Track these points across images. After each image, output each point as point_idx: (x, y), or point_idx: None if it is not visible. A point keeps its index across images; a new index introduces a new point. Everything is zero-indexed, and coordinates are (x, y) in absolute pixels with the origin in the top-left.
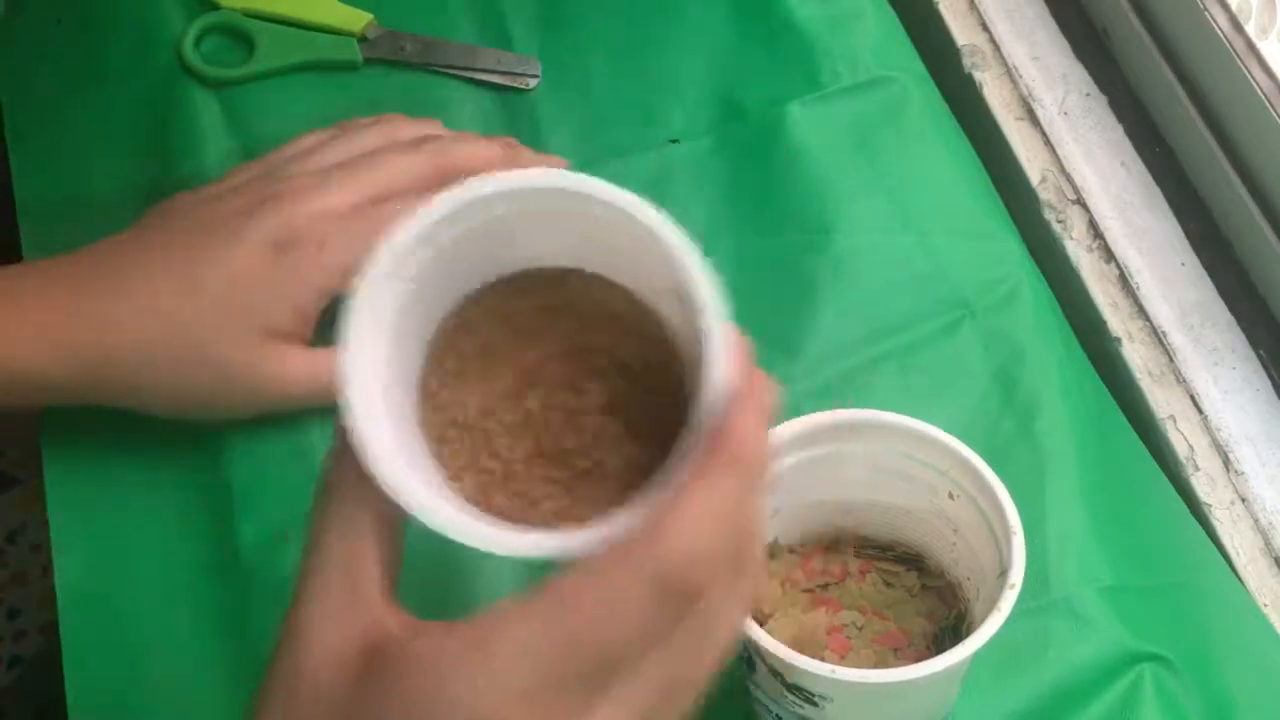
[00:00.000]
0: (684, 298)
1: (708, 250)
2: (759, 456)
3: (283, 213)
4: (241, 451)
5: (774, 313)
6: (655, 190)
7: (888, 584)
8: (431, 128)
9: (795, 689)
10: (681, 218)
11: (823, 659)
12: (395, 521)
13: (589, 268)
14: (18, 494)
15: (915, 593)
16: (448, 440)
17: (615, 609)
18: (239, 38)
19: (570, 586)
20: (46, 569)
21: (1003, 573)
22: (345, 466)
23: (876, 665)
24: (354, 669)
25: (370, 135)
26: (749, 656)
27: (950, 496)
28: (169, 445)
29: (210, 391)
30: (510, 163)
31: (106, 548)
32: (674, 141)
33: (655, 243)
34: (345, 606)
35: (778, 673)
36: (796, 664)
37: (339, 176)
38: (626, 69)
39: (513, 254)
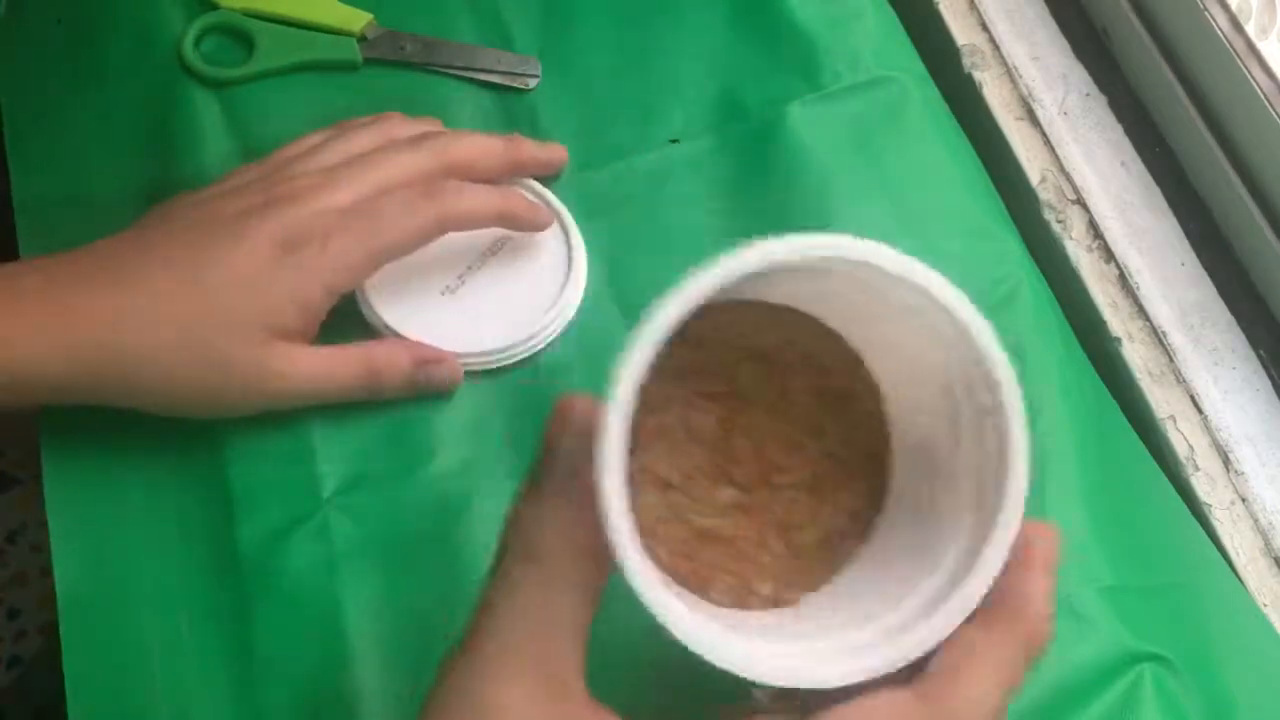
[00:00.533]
0: (981, 408)
1: (708, 250)
2: (1046, 632)
3: (286, 212)
4: (241, 451)
5: None
6: (655, 190)
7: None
8: (430, 126)
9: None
10: (681, 218)
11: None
12: (599, 599)
13: (825, 320)
14: (17, 494)
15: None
16: (647, 503)
17: None
18: (239, 38)
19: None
20: (46, 569)
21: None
22: (560, 532)
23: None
24: None
25: (370, 134)
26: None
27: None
28: (169, 445)
29: (214, 390)
30: (512, 156)
31: (106, 548)
32: (674, 141)
33: (960, 334)
34: (552, 700)
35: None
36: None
37: (342, 174)
38: (627, 69)
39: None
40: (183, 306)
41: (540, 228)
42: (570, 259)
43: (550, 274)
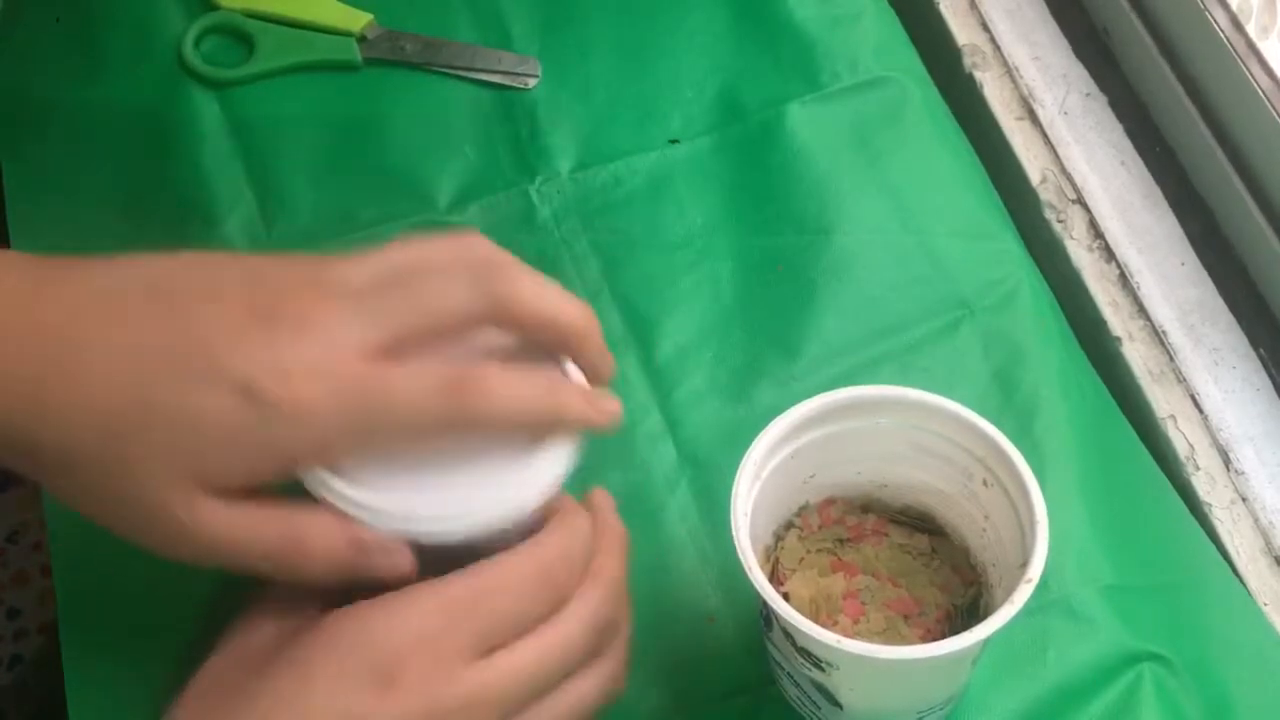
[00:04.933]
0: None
1: (708, 250)
2: (583, 522)
3: (270, 348)
4: None
5: (774, 313)
6: (655, 190)
7: (904, 550)
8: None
9: (805, 652)
10: (681, 218)
11: (836, 622)
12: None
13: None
14: (17, 494)
15: (929, 562)
16: None
17: (505, 585)
18: (239, 38)
19: (475, 569)
20: (47, 568)
21: (1023, 564)
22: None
23: (886, 630)
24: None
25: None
26: (767, 615)
27: (985, 484)
28: None
29: (128, 525)
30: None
31: (106, 548)
32: (674, 142)
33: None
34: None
35: (789, 634)
36: (806, 629)
37: (365, 306)
38: (626, 69)
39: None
40: (120, 422)
41: (606, 429)
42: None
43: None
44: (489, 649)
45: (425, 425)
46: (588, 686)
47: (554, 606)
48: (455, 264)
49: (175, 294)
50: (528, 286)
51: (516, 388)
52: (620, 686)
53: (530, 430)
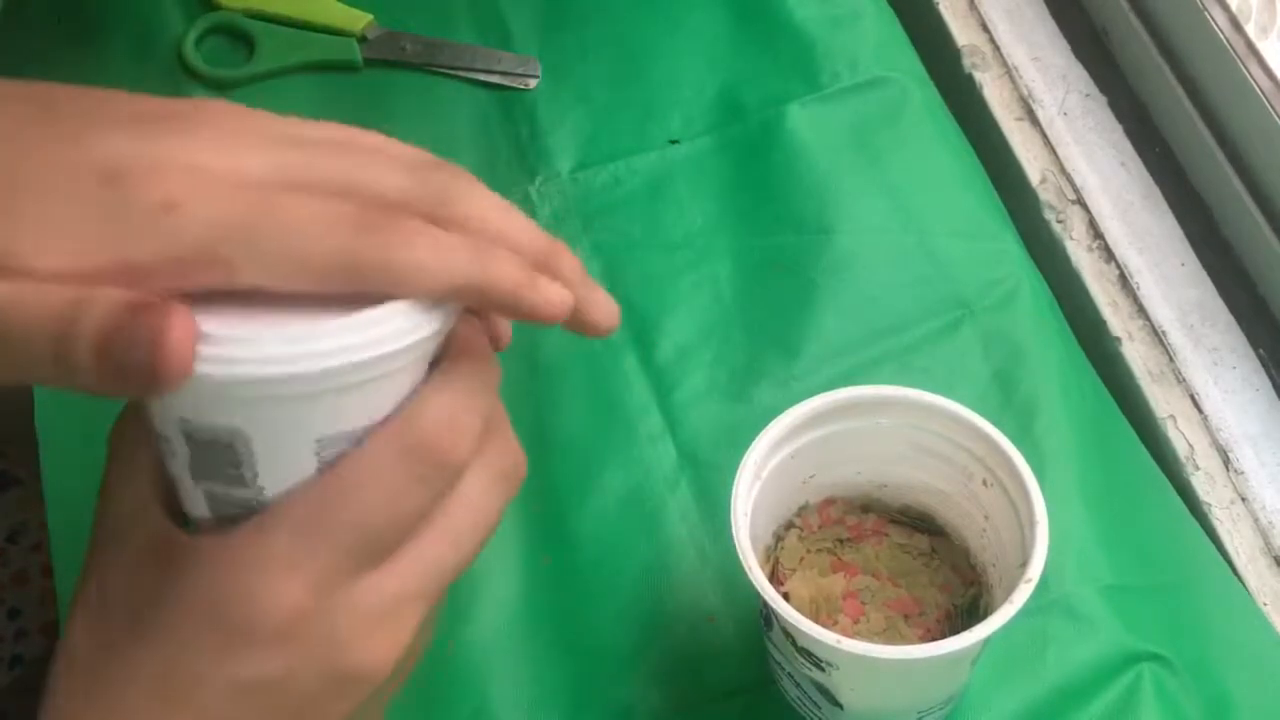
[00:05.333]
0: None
1: (708, 250)
2: (486, 353)
3: (148, 141)
4: None
5: (774, 313)
6: (655, 190)
7: (904, 550)
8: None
9: (805, 652)
10: (681, 218)
11: (836, 622)
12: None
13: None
14: (18, 494)
15: (929, 562)
16: None
17: (375, 482)
18: (239, 38)
19: (338, 468)
20: (47, 568)
21: (1023, 564)
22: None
23: (886, 630)
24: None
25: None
26: (766, 615)
27: (985, 484)
28: None
29: None
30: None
31: None
32: (674, 142)
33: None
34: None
35: (789, 634)
36: (806, 629)
37: (277, 148)
38: (627, 69)
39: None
40: None
41: (554, 318)
42: None
43: None
44: (376, 556)
45: (319, 263)
46: (488, 499)
47: (441, 488)
48: (404, 157)
49: (56, 100)
50: (480, 194)
51: (442, 241)
52: (521, 471)
53: (446, 297)
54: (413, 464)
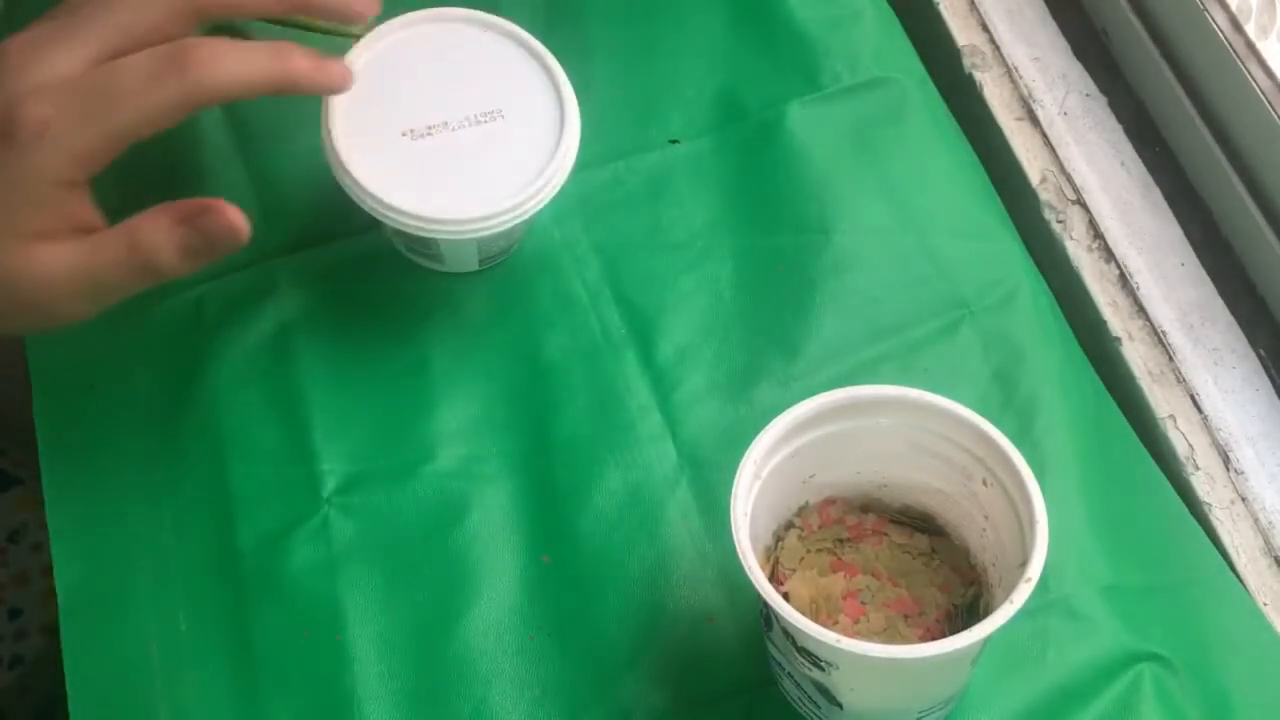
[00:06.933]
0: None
1: (708, 250)
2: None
3: None
4: (241, 451)
5: (774, 313)
6: (655, 190)
7: (904, 550)
8: None
9: (805, 652)
10: (681, 218)
11: (836, 622)
12: None
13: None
14: (18, 494)
15: (929, 562)
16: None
17: None
18: (239, 38)
19: None
20: (47, 569)
21: (1023, 564)
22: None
23: (886, 630)
24: None
25: None
26: (767, 615)
27: (984, 484)
28: (169, 445)
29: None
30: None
31: (106, 548)
32: (674, 142)
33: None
34: None
35: (789, 634)
36: (806, 629)
37: (61, 30)
38: (627, 69)
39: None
40: None
41: (335, 89)
42: (563, 122)
43: (540, 141)
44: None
45: (160, 107)
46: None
47: None
48: (149, 56)
49: None
50: (222, 69)
51: (240, 53)
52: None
53: (261, 94)
54: None
